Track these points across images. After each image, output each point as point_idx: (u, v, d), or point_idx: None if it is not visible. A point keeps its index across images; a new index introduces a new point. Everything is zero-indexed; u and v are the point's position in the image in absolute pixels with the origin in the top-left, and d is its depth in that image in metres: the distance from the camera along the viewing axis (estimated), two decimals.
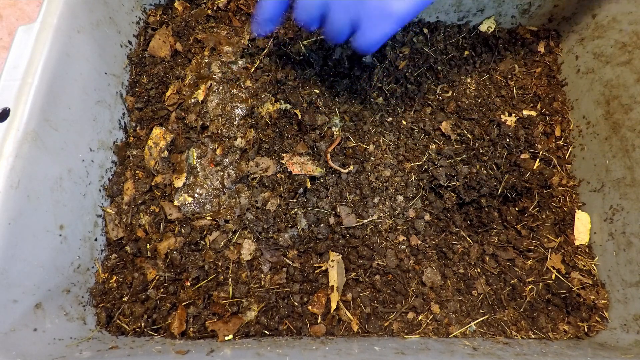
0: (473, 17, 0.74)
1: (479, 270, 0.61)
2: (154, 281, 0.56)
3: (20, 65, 0.48)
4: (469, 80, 0.70)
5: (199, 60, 0.66)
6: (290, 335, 0.55)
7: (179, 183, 0.59)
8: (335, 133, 0.65)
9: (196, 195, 0.59)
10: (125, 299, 0.55)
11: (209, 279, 0.56)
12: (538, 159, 0.67)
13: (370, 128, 0.66)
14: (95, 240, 0.57)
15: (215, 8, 0.70)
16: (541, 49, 0.75)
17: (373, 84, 0.70)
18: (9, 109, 0.47)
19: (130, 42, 0.68)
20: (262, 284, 0.57)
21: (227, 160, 0.61)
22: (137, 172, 0.62)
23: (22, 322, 0.45)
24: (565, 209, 0.66)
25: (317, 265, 0.58)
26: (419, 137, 0.67)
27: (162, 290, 0.56)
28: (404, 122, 0.67)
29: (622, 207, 0.61)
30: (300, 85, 0.66)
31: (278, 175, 0.61)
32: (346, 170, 0.63)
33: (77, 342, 0.50)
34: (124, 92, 0.65)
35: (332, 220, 0.61)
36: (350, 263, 0.59)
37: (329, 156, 0.62)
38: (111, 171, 0.61)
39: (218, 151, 0.61)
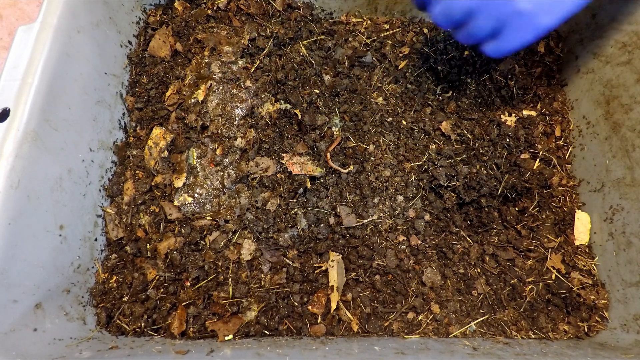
0: None
1: (479, 270, 0.61)
2: (154, 281, 0.56)
3: (20, 65, 0.49)
4: (469, 80, 0.70)
5: (199, 60, 0.66)
6: (290, 335, 0.55)
7: (179, 183, 0.59)
8: (335, 133, 0.65)
9: (196, 195, 0.59)
10: (125, 299, 0.55)
11: (209, 279, 0.56)
12: (538, 159, 0.67)
13: (370, 128, 0.66)
14: (95, 240, 0.57)
15: (215, 8, 0.70)
16: (541, 49, 0.75)
17: (373, 84, 0.70)
18: (9, 109, 0.47)
19: (130, 42, 0.68)
20: (262, 284, 0.57)
21: (227, 160, 0.61)
22: (137, 172, 0.62)
23: (22, 322, 0.45)
24: (565, 209, 0.66)
25: (317, 265, 0.58)
26: (419, 137, 0.67)
27: (162, 290, 0.56)
28: (404, 122, 0.67)
29: (622, 207, 0.61)
30: (300, 85, 0.66)
31: (278, 175, 0.61)
32: (346, 170, 0.63)
33: (77, 342, 0.50)
34: (124, 92, 0.65)
35: (332, 220, 0.61)
36: (350, 263, 0.59)
37: (329, 156, 0.62)
38: (111, 171, 0.61)
39: (218, 151, 0.61)
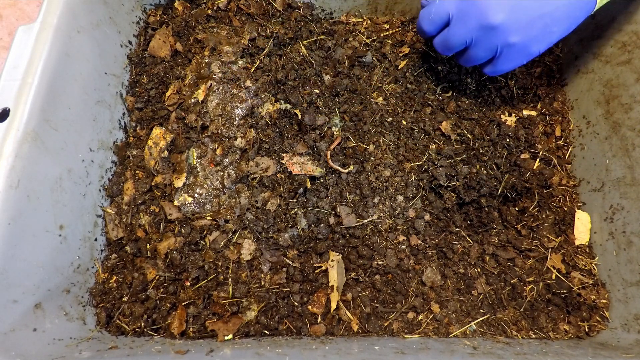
0: None
1: (479, 270, 0.61)
2: (154, 281, 0.56)
3: (20, 65, 0.49)
4: (469, 80, 0.70)
5: (199, 60, 0.66)
6: (290, 335, 0.55)
7: (179, 183, 0.59)
8: (335, 133, 0.65)
9: (196, 195, 0.59)
10: (125, 299, 0.55)
11: (209, 279, 0.56)
12: (538, 159, 0.67)
13: (370, 128, 0.66)
14: (95, 240, 0.57)
15: (215, 8, 0.70)
16: None
17: (373, 84, 0.70)
18: (9, 109, 0.47)
19: (130, 42, 0.68)
20: (262, 284, 0.57)
21: (227, 160, 0.61)
22: (137, 172, 0.62)
23: (22, 322, 0.45)
24: (565, 209, 0.66)
25: (317, 265, 0.58)
26: (419, 137, 0.67)
27: (162, 290, 0.56)
28: (404, 122, 0.67)
29: (622, 207, 0.61)
30: (300, 85, 0.66)
31: (278, 175, 0.61)
32: (346, 170, 0.63)
33: (76, 342, 0.50)
34: (124, 92, 0.65)
35: (332, 220, 0.61)
36: (350, 263, 0.59)
37: (329, 156, 0.62)
38: (111, 171, 0.61)
39: (218, 151, 0.61)
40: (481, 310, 0.59)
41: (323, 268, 0.58)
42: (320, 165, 0.62)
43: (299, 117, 0.63)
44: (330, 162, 0.62)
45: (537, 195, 0.65)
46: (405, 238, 0.61)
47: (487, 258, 0.62)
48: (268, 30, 0.69)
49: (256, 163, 0.60)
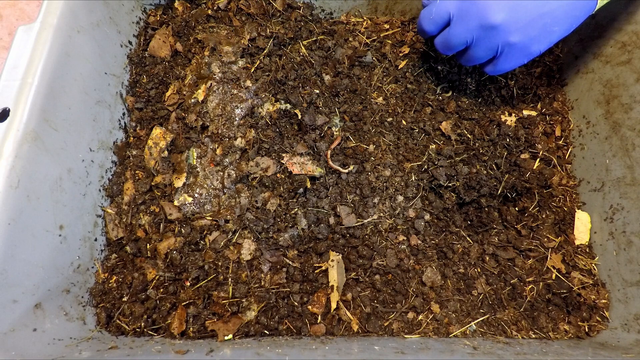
0: None
1: (479, 270, 0.61)
2: (154, 281, 0.56)
3: (20, 65, 0.49)
4: (469, 80, 0.70)
5: (199, 60, 0.66)
6: (290, 335, 0.55)
7: (179, 183, 0.59)
8: (335, 133, 0.65)
9: (196, 195, 0.59)
10: (125, 299, 0.55)
11: (209, 279, 0.56)
12: (538, 159, 0.67)
13: (370, 128, 0.66)
14: (95, 240, 0.57)
15: (215, 8, 0.70)
16: None
17: (373, 84, 0.70)
18: (9, 109, 0.47)
19: (130, 42, 0.68)
20: (262, 284, 0.57)
21: (227, 160, 0.61)
22: (137, 172, 0.62)
23: (21, 322, 0.45)
24: (565, 209, 0.66)
25: (317, 265, 0.58)
26: (419, 137, 0.67)
27: (162, 290, 0.56)
28: (404, 122, 0.67)
29: (622, 207, 0.61)
30: (300, 85, 0.66)
31: (278, 175, 0.61)
32: (346, 170, 0.63)
33: (76, 342, 0.50)
34: (124, 92, 0.65)
35: (332, 220, 0.61)
36: (350, 263, 0.59)
37: (329, 156, 0.62)
38: (111, 171, 0.61)
39: (218, 151, 0.61)
40: (481, 310, 0.59)
41: (323, 268, 0.58)
42: (320, 165, 0.62)
43: (299, 117, 0.63)
44: (330, 162, 0.62)
45: (537, 195, 0.65)
46: (405, 238, 0.61)
47: (487, 258, 0.62)
48: (268, 30, 0.69)
49: (256, 163, 0.60)
